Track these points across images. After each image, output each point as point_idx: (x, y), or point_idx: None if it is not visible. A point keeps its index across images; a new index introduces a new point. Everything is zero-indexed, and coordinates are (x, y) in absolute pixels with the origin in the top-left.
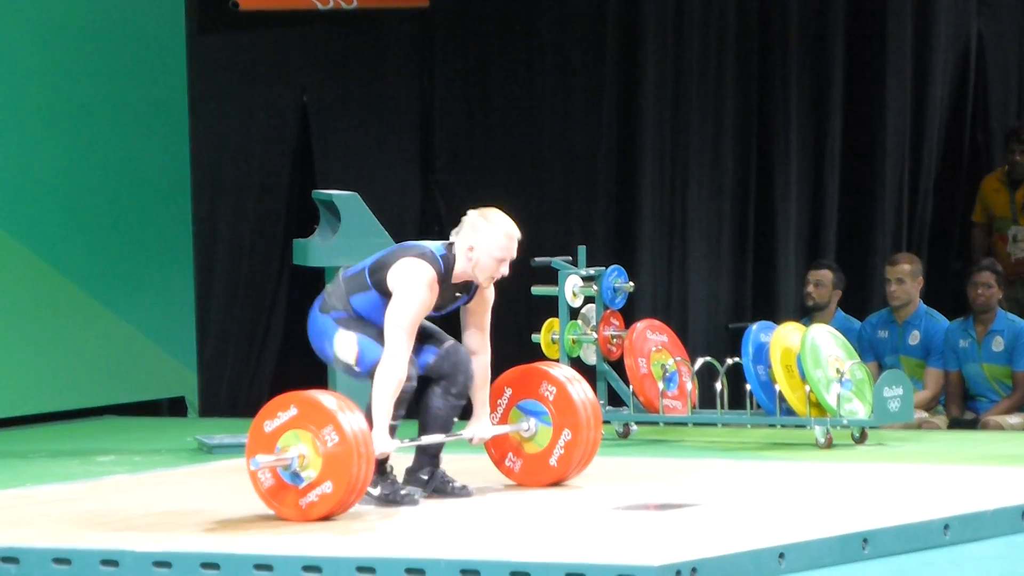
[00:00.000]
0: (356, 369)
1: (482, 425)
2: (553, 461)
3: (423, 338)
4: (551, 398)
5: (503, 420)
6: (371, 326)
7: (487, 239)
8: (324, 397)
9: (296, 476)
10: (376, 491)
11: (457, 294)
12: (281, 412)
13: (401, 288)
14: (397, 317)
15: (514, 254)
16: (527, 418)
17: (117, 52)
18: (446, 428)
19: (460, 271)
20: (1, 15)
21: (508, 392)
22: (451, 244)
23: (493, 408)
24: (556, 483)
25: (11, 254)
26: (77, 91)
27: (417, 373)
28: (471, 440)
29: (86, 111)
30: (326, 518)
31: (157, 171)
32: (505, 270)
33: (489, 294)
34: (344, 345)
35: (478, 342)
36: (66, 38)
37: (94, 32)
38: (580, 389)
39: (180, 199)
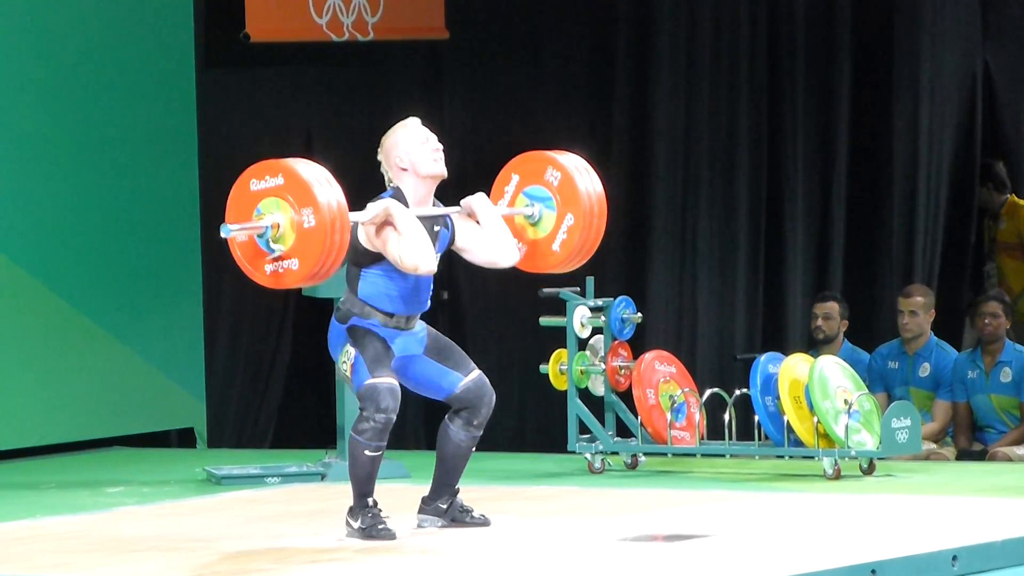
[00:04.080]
0: (351, 384)
1: (478, 200)
2: (556, 246)
3: (450, 363)
4: (556, 184)
5: (510, 206)
6: (374, 342)
7: (397, 145)
8: (313, 174)
9: (268, 244)
10: (356, 523)
11: (436, 228)
12: (270, 176)
13: (366, 212)
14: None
15: (428, 132)
16: (532, 204)
17: (127, 85)
18: (464, 460)
19: (412, 191)
20: (11, 48)
21: (515, 179)
22: (390, 185)
23: (501, 194)
24: (557, 268)
25: (21, 284)
26: (87, 123)
27: (396, 407)
28: (470, 214)
29: (96, 143)
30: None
31: (166, 202)
32: (436, 145)
33: (479, 203)
34: (344, 360)
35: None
36: (76, 71)
37: (104, 65)
38: (587, 179)
39: (189, 230)
